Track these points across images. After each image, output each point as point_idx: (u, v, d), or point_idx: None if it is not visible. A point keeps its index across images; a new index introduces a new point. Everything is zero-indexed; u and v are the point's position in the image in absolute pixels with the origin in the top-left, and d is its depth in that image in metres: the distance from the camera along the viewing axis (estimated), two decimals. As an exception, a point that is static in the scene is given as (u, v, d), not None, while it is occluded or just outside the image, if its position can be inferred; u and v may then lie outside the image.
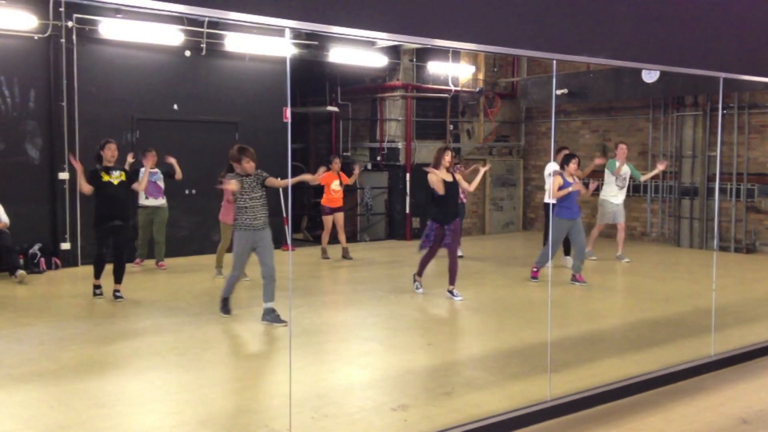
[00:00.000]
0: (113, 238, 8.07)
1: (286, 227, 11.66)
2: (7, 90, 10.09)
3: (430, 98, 14.43)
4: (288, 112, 12.11)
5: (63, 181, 10.38)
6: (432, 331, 7.24)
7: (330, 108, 14.39)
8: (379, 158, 14.31)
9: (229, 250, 7.67)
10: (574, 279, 9.49)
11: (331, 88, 14.57)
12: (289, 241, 10.83)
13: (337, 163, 11.48)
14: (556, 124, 14.99)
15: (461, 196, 11.21)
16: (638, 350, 6.41)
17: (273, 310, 7.17)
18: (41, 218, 10.36)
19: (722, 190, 12.69)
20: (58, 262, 10.31)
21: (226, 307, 7.43)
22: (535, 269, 9.60)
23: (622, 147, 11.15)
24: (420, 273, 8.63)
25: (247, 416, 4.83)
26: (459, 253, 11.59)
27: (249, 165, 7.18)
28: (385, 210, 14.36)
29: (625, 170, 11.11)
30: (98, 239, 8.12)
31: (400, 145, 14.07)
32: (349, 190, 15.15)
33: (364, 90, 14.62)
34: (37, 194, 10.37)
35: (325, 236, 11.55)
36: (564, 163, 9.35)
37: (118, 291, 8.15)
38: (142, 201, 10.31)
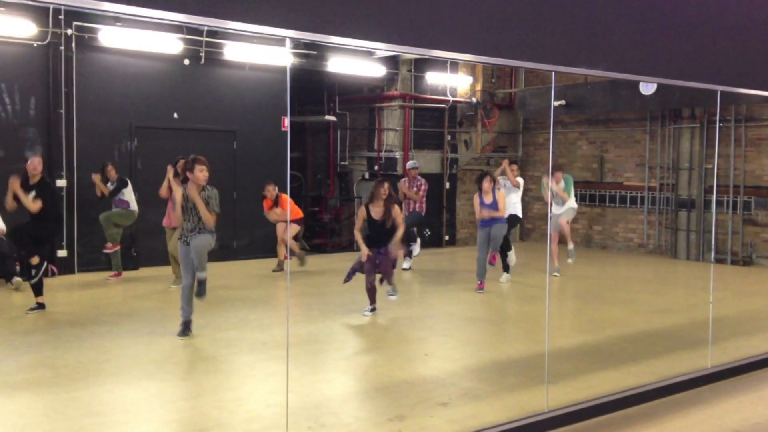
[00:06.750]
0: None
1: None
2: (7, 97, 10.10)
3: (428, 108, 14.46)
4: (286, 121, 12.13)
5: (60, 188, 10.37)
6: (428, 342, 7.23)
7: (328, 117, 14.41)
8: (376, 168, 14.32)
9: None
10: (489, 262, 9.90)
11: (330, 97, 14.60)
12: (287, 251, 10.80)
13: (270, 191, 10.64)
14: (554, 135, 15.03)
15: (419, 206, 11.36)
16: (635, 362, 6.41)
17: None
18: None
19: (719, 203, 12.72)
20: (55, 269, 10.27)
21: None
22: (478, 282, 9.60)
23: (557, 174, 10.98)
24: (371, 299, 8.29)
25: (243, 426, 4.82)
26: (406, 265, 11.54)
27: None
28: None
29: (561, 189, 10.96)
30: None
31: (398, 154, 14.09)
32: (346, 200, 15.19)
33: (362, 99, 14.66)
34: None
35: (280, 246, 11.00)
36: (478, 184, 9.70)
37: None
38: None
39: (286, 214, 10.55)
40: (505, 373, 6.08)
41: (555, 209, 10.95)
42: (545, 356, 5.53)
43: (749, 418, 5.11)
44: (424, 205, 11.57)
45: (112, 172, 10.01)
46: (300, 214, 11.24)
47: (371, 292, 8.13)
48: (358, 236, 8.18)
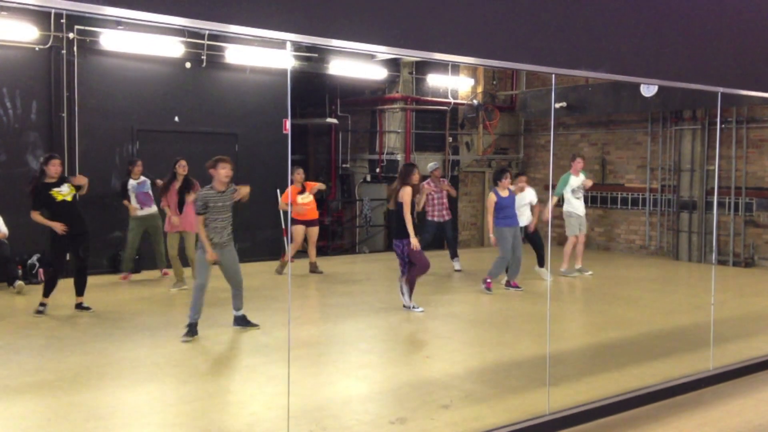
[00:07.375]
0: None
1: (285, 239, 11.65)
2: (8, 101, 10.12)
3: (430, 110, 14.47)
4: (288, 123, 12.15)
5: (62, 191, 10.38)
6: (430, 344, 7.23)
7: (329, 120, 14.43)
8: (378, 170, 14.33)
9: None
10: (508, 285, 9.81)
11: (331, 100, 14.62)
12: (288, 252, 10.82)
13: (300, 173, 10.75)
14: (555, 137, 15.03)
15: (443, 213, 11.29)
16: (637, 364, 6.41)
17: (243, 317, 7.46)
18: (40, 229, 10.34)
19: (721, 204, 12.72)
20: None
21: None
22: (488, 281, 9.60)
23: (579, 161, 11.08)
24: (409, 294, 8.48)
25: (245, 428, 4.82)
26: (457, 267, 11.59)
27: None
28: (385, 222, 14.37)
29: (582, 181, 11.03)
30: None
31: (400, 157, 14.10)
32: (348, 203, 15.20)
33: (364, 102, 14.67)
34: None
35: (293, 249, 10.90)
36: (497, 179, 9.61)
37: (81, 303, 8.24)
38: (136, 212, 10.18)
39: (311, 202, 10.68)
40: (507, 375, 6.07)
41: (576, 208, 10.92)
42: (547, 358, 5.53)
43: (752, 420, 5.11)
44: (449, 210, 11.62)
45: (139, 168, 10.18)
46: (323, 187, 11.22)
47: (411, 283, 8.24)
48: (410, 224, 8.09)
